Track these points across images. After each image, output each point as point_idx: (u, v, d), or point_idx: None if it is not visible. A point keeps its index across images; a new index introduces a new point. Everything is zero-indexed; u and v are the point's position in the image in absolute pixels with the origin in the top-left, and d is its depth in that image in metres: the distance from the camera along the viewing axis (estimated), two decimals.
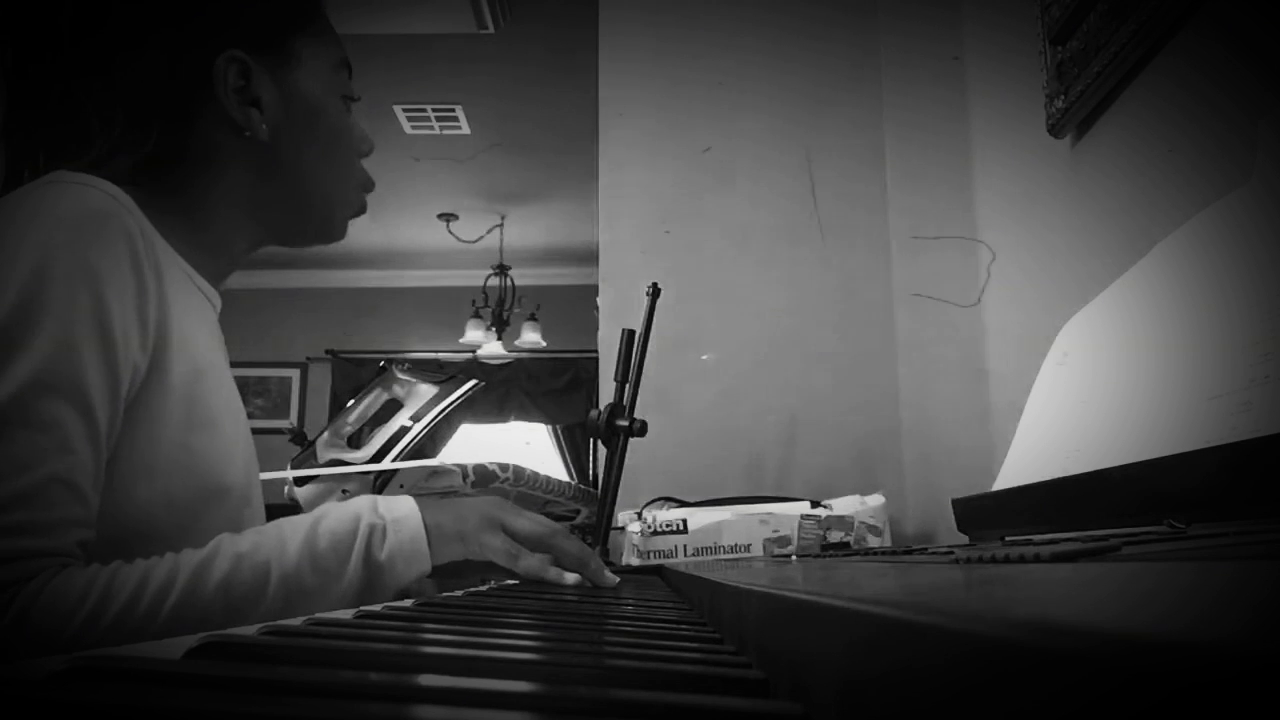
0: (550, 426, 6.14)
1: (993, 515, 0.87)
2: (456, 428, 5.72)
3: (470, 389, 1.98)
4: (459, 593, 0.74)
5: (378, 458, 1.94)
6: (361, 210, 0.93)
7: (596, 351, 1.93)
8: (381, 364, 2.05)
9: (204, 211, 0.82)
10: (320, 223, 0.89)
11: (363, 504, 0.74)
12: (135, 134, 0.77)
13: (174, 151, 0.79)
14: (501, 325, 5.71)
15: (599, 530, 1.40)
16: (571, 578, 0.80)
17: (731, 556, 1.47)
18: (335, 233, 0.91)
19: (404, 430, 1.90)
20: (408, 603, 0.61)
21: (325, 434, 1.96)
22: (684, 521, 1.50)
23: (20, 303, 0.63)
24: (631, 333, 1.48)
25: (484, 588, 0.83)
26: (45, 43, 0.77)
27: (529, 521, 0.80)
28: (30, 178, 0.72)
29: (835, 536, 1.50)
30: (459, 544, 0.76)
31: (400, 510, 0.74)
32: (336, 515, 0.72)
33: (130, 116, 0.77)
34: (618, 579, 0.84)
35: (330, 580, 0.69)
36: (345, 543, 0.71)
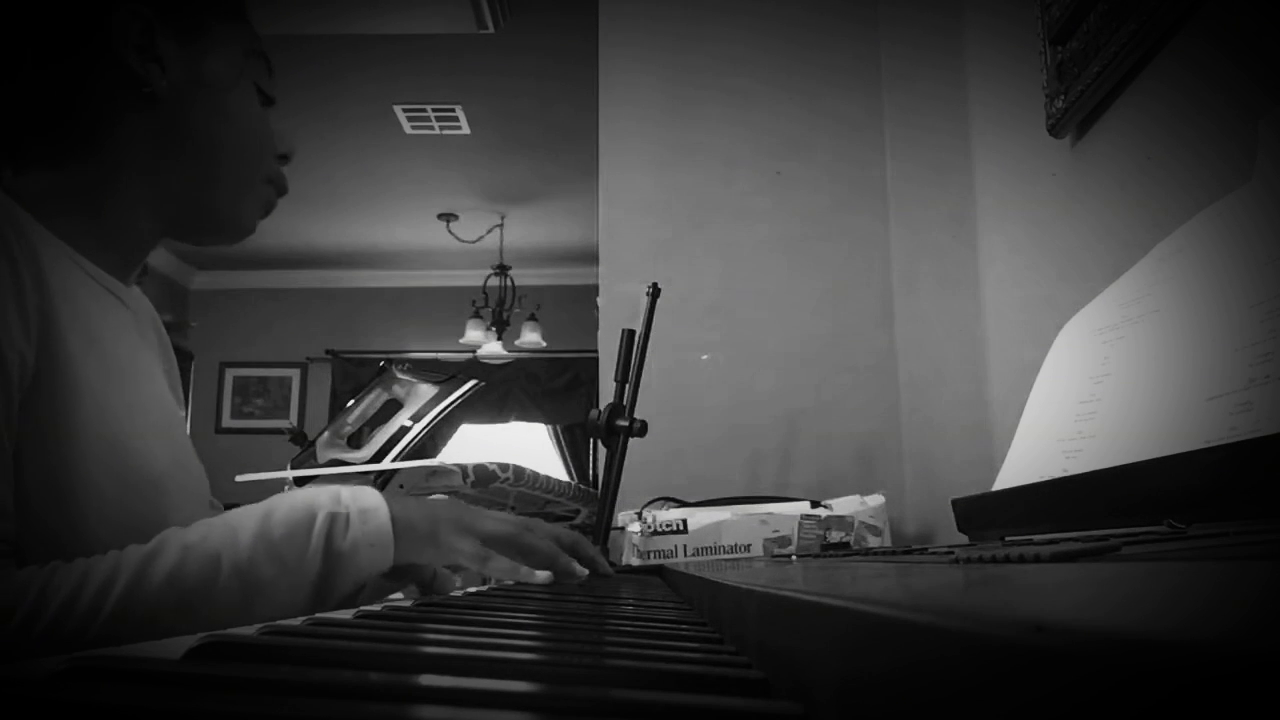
0: (550, 426, 6.14)
1: (993, 515, 0.87)
2: (456, 428, 5.73)
3: (470, 389, 1.98)
4: (459, 593, 0.74)
5: (378, 458, 1.94)
6: (268, 209, 0.89)
7: (596, 351, 1.93)
8: (381, 364, 2.05)
9: (100, 188, 0.79)
10: (222, 210, 0.85)
11: (321, 493, 0.72)
12: (24, 90, 0.75)
13: (69, 113, 0.77)
14: (501, 325, 5.71)
15: (599, 530, 1.40)
16: (542, 575, 0.79)
17: (731, 556, 1.47)
18: (238, 226, 0.87)
19: (404, 430, 1.91)
20: (407, 603, 0.61)
21: (325, 434, 1.96)
22: (684, 521, 1.50)
23: None
24: (631, 333, 1.48)
25: (458, 593, 0.81)
26: None
27: (495, 522, 0.79)
28: None
29: (835, 536, 1.50)
30: (429, 545, 0.74)
31: (367, 501, 0.72)
32: (290, 504, 0.70)
33: (18, 69, 0.75)
34: (585, 572, 0.82)
35: (288, 570, 0.67)
36: (303, 531, 0.69)
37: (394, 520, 0.72)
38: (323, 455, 1.96)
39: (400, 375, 1.95)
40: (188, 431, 0.93)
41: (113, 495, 0.70)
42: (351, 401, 1.98)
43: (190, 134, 0.81)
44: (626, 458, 1.45)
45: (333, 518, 0.70)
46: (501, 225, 5.51)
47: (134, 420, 0.74)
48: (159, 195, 0.81)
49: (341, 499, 0.71)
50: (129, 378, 0.76)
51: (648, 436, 1.46)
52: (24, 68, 0.76)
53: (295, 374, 6.16)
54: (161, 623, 0.62)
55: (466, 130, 4.47)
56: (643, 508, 1.59)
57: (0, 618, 0.59)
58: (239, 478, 2.19)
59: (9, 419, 0.65)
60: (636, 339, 1.48)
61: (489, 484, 1.89)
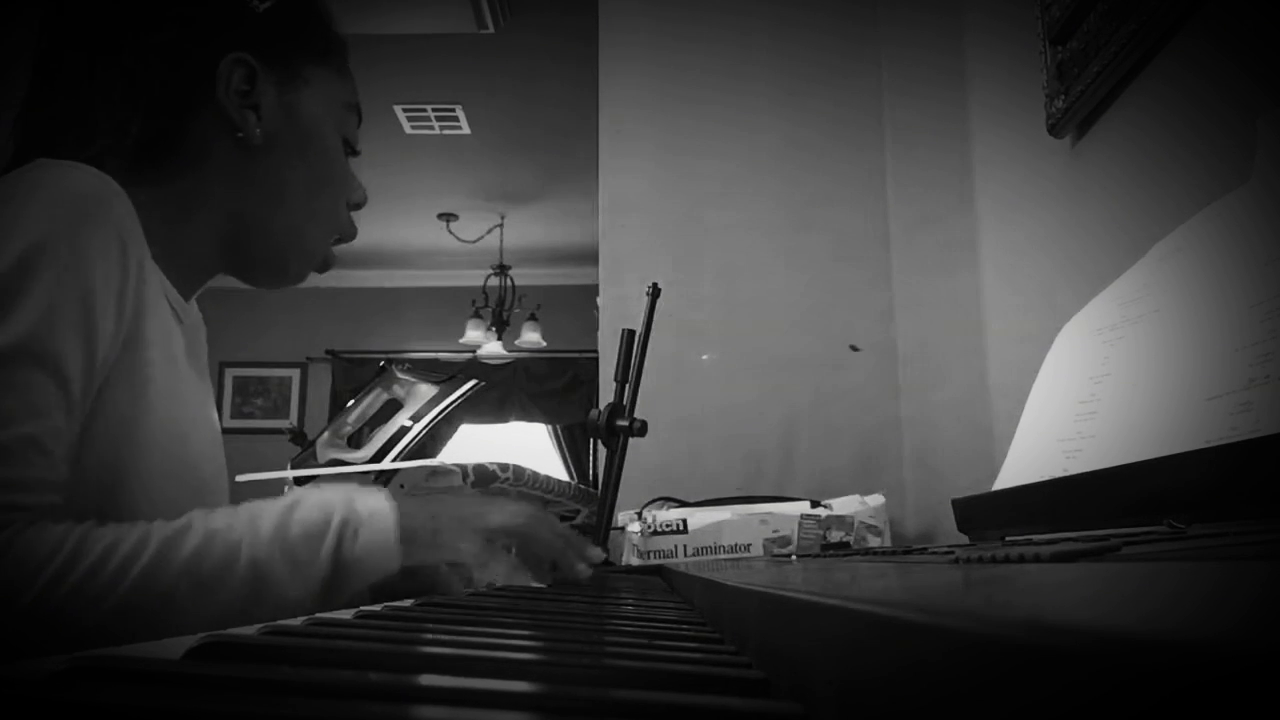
0: (550, 426, 6.14)
1: (993, 515, 0.87)
2: (456, 428, 5.72)
3: (470, 389, 1.98)
4: (465, 592, 0.74)
5: (378, 458, 1.94)
6: (326, 264, 0.91)
7: (596, 351, 1.93)
8: (381, 364, 2.05)
9: (179, 213, 0.82)
10: (286, 253, 0.88)
11: (336, 497, 0.73)
12: (132, 119, 0.79)
13: (166, 143, 0.80)
14: (501, 325, 5.71)
15: (599, 530, 1.40)
16: (538, 583, 0.78)
17: (731, 556, 1.47)
18: (295, 272, 0.90)
19: (404, 430, 1.91)
20: (407, 603, 0.61)
21: (325, 434, 1.96)
22: (684, 521, 1.50)
23: (11, 271, 0.65)
24: (631, 333, 1.48)
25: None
26: (60, 21, 0.80)
27: (506, 515, 0.78)
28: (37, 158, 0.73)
29: (835, 536, 1.50)
30: (431, 548, 0.75)
31: (375, 506, 0.73)
32: (309, 505, 0.71)
33: (130, 101, 0.79)
34: (590, 571, 0.81)
35: (299, 571, 0.68)
36: (318, 534, 0.70)
37: (400, 526, 0.72)
38: (323, 455, 1.97)
39: (400, 375, 1.95)
40: None
41: (167, 490, 0.72)
42: (351, 401, 1.98)
43: (272, 176, 0.84)
44: (626, 458, 1.44)
45: (345, 523, 0.71)
46: (501, 225, 5.51)
47: (191, 425, 0.77)
48: (231, 229, 0.85)
49: (355, 505, 0.72)
50: (186, 384, 0.79)
51: (648, 436, 1.45)
52: (137, 98, 0.79)
53: (295, 374, 6.16)
54: (176, 602, 0.64)
55: (466, 130, 4.47)
56: (643, 508, 1.59)
57: (33, 570, 0.60)
58: (239, 478, 2.19)
59: (87, 392, 0.68)
60: (636, 339, 1.48)
61: (489, 484, 1.89)
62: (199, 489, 0.77)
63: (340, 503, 0.72)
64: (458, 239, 5.60)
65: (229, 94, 0.81)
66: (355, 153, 0.91)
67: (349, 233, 0.92)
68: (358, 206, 0.93)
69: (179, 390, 0.77)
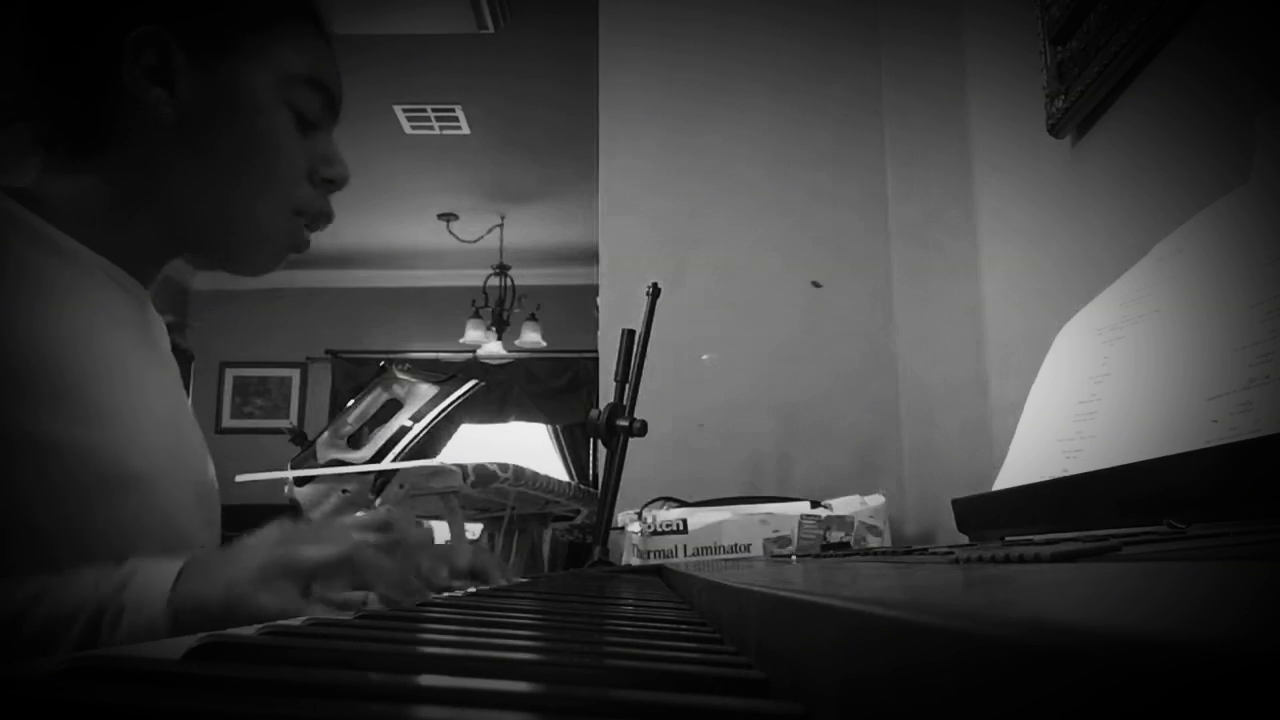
0: (550, 426, 6.14)
1: (993, 515, 0.87)
2: (456, 428, 5.72)
3: (470, 389, 1.98)
4: (461, 592, 0.73)
5: (378, 458, 1.94)
6: (295, 245, 0.84)
7: (596, 351, 1.93)
8: (381, 364, 2.06)
9: (118, 202, 0.79)
10: (235, 236, 0.82)
11: (110, 578, 0.62)
12: (32, 102, 0.77)
13: (86, 126, 0.77)
14: (501, 325, 5.71)
15: (599, 530, 1.40)
16: (373, 597, 0.62)
17: (731, 556, 1.47)
18: (253, 260, 0.84)
19: (404, 430, 1.91)
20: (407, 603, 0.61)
21: (325, 434, 1.96)
22: (684, 521, 1.50)
23: None
24: (631, 333, 1.48)
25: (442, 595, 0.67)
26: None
27: (319, 548, 0.64)
28: None
29: (835, 536, 1.50)
30: (226, 615, 0.59)
31: (150, 590, 0.62)
32: (60, 594, 0.61)
33: (35, 82, 0.76)
34: (421, 589, 0.66)
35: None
36: (66, 624, 0.60)
37: (176, 604, 0.61)
38: (323, 455, 1.97)
39: (400, 375, 1.95)
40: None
41: (69, 492, 0.68)
42: (351, 401, 1.98)
43: (203, 155, 0.79)
44: (626, 458, 1.44)
45: (100, 615, 0.61)
46: (501, 225, 5.51)
47: (111, 421, 0.73)
48: (170, 211, 0.81)
49: (127, 588, 0.62)
50: (114, 371, 0.76)
51: (648, 436, 1.46)
52: (44, 78, 0.77)
53: (295, 374, 6.16)
54: None
55: (466, 130, 4.47)
56: (643, 508, 1.59)
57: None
58: (239, 478, 2.19)
59: None
60: (636, 339, 1.48)
61: (489, 484, 1.89)
62: (134, 480, 0.72)
63: (110, 585, 0.62)
64: (458, 239, 5.60)
65: (134, 72, 0.76)
66: (312, 126, 0.83)
67: (316, 210, 0.85)
68: (334, 184, 0.86)
69: (102, 383, 0.73)
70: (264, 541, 0.65)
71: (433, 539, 0.77)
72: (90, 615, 0.61)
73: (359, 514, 0.70)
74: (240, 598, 0.60)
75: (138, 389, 0.79)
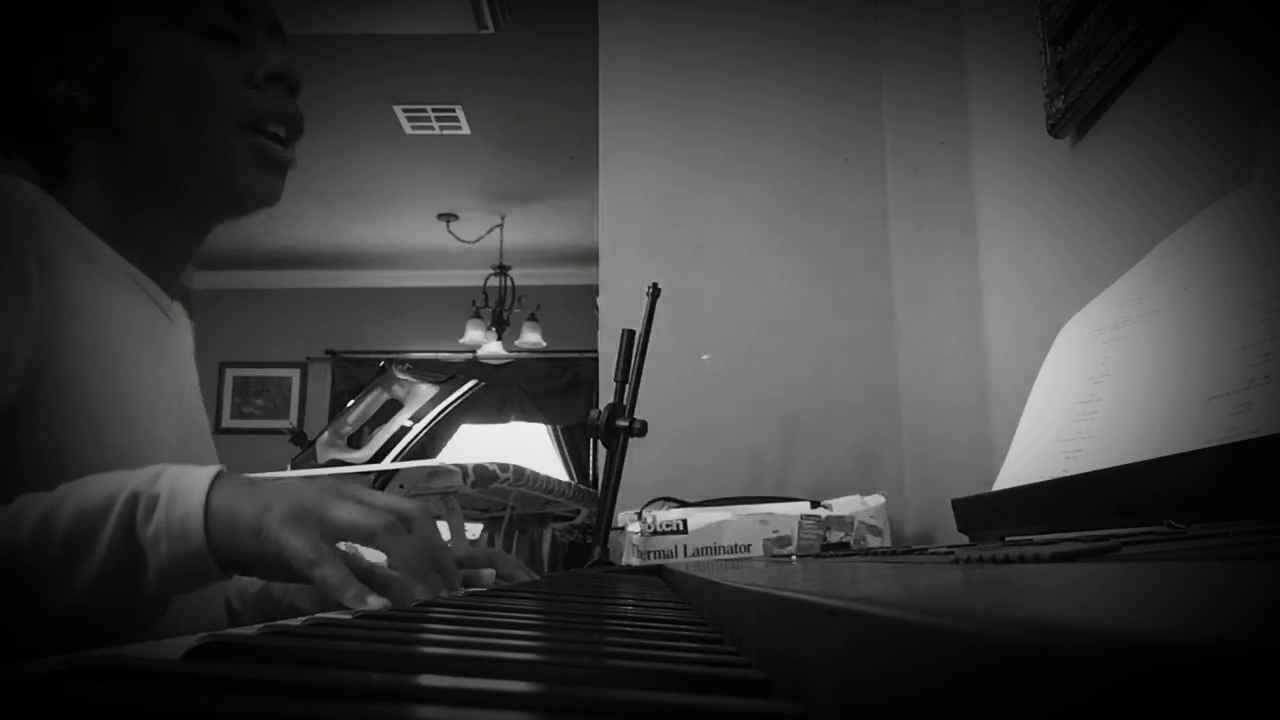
0: (550, 426, 6.14)
1: (993, 515, 0.87)
2: (456, 428, 5.73)
3: (470, 389, 1.98)
4: (460, 592, 0.73)
5: (378, 458, 1.94)
6: (265, 157, 0.82)
7: (596, 351, 1.93)
8: (381, 364, 2.06)
9: (117, 196, 0.80)
10: (206, 177, 0.81)
11: (141, 472, 0.63)
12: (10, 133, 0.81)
13: (36, 141, 0.80)
14: (501, 325, 5.71)
15: (599, 530, 1.40)
16: (377, 601, 0.57)
17: (731, 556, 1.47)
18: (234, 188, 0.82)
19: (404, 430, 1.91)
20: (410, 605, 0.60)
21: (325, 434, 1.96)
22: (684, 521, 1.50)
23: None
24: (631, 333, 1.49)
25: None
26: None
27: (357, 509, 0.62)
28: None
29: (835, 536, 1.50)
30: (253, 537, 0.60)
31: (184, 484, 0.61)
32: (95, 484, 0.62)
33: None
34: (423, 593, 0.62)
35: (75, 556, 0.59)
36: (97, 514, 0.60)
37: (210, 508, 0.61)
38: (323, 455, 1.97)
39: (400, 375, 1.95)
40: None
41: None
42: (351, 402, 1.98)
43: (137, 111, 0.79)
44: (626, 458, 1.45)
45: (135, 498, 0.61)
46: (501, 225, 5.51)
47: (127, 426, 0.75)
48: (146, 191, 0.81)
49: (160, 479, 0.62)
50: (131, 378, 0.77)
51: (647, 436, 1.46)
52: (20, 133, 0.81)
53: (295, 374, 6.16)
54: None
55: (466, 130, 4.47)
56: (643, 508, 1.59)
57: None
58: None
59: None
60: (636, 339, 1.48)
61: (489, 484, 1.89)
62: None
63: (144, 478, 0.62)
64: (458, 239, 5.60)
65: (38, 76, 0.77)
66: (226, 35, 0.81)
67: (275, 112, 0.82)
68: (283, 79, 0.83)
69: (121, 389, 0.75)
70: (305, 487, 0.64)
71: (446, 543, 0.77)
72: (125, 504, 0.60)
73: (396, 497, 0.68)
74: (271, 526, 0.60)
75: (143, 400, 0.79)
